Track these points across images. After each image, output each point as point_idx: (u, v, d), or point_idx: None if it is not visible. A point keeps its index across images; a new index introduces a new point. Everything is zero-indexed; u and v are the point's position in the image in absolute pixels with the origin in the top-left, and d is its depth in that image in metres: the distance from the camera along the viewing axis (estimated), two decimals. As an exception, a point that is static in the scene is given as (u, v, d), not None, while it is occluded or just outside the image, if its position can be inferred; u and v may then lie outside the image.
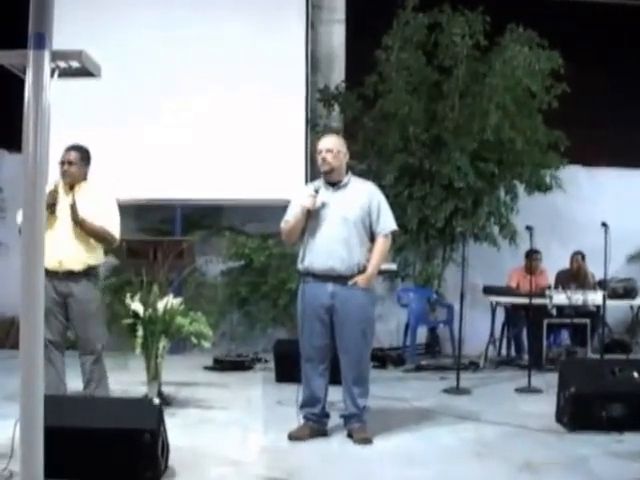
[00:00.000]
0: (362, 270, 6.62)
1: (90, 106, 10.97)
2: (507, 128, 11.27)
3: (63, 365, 7.14)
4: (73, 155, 7.18)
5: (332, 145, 6.77)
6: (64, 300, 7.05)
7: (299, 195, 6.78)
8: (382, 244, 6.73)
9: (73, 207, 6.98)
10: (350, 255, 6.59)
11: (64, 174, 7.12)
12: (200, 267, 11.44)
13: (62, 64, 3.84)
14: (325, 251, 6.58)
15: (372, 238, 6.74)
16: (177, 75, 11.69)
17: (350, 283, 6.56)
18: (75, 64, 3.89)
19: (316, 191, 6.62)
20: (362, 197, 6.72)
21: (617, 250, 9.61)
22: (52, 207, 6.82)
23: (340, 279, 6.59)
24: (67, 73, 3.92)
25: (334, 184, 6.75)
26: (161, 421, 5.54)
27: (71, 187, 7.14)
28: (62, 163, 7.13)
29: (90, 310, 7.18)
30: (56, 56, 3.70)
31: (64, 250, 6.93)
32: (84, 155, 7.26)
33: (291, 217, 6.73)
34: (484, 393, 9.13)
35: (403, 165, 11.48)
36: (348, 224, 6.60)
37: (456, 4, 11.56)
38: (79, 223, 7.01)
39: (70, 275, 7.03)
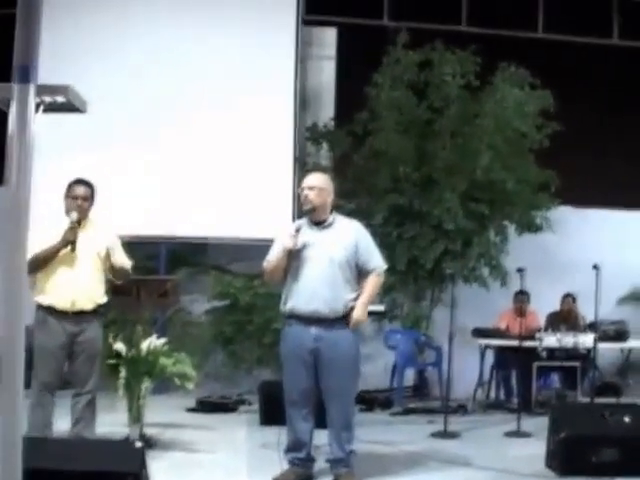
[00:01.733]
0: (348, 312, 6.49)
1: (71, 139, 10.77)
2: (498, 168, 11.24)
3: (53, 408, 6.97)
4: (87, 190, 7.01)
5: (315, 182, 6.64)
6: (71, 340, 6.90)
7: (282, 234, 6.64)
8: (375, 281, 6.63)
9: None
10: (335, 297, 6.46)
11: (79, 209, 6.90)
12: (185, 306, 11.31)
13: (47, 98, 3.74)
14: (309, 293, 6.44)
15: (358, 278, 6.62)
16: (164, 111, 11.57)
17: (351, 326, 6.43)
18: (61, 99, 3.79)
19: (297, 230, 6.49)
20: (348, 237, 6.60)
21: (607, 292, 9.54)
22: (73, 244, 6.75)
23: (324, 322, 6.45)
24: (53, 108, 3.83)
25: (318, 223, 6.62)
26: (144, 464, 5.41)
27: (78, 223, 6.94)
28: (75, 198, 6.94)
29: (97, 349, 7.08)
30: (41, 90, 3.60)
31: (78, 289, 6.83)
32: (94, 191, 7.10)
33: (272, 257, 6.60)
34: (473, 437, 9.00)
35: (393, 205, 11.41)
36: (333, 265, 6.47)
37: (448, 42, 11.55)
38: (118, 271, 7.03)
39: (81, 314, 6.89)
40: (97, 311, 7.02)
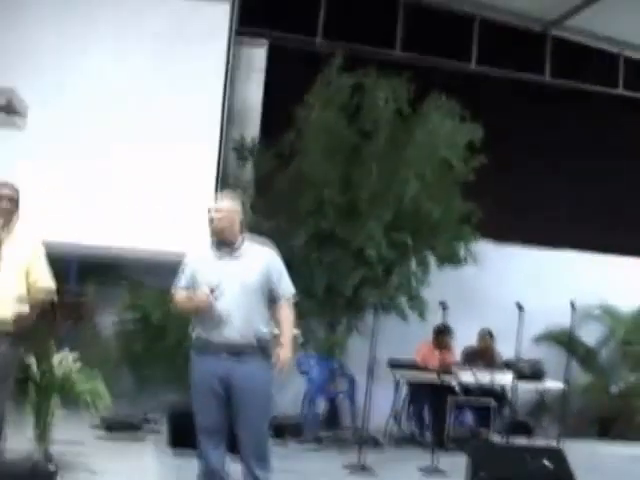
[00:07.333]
0: (260, 341, 6.20)
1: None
2: (425, 198, 11.10)
3: None
4: (12, 192, 6.47)
5: (223, 205, 6.35)
6: None
7: (190, 259, 6.32)
8: (288, 310, 6.34)
9: None
10: (248, 325, 6.16)
11: (3, 212, 6.37)
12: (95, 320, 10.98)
13: (-12, 99, 3.47)
14: (222, 321, 6.16)
15: (271, 304, 6.35)
16: (85, 118, 11.34)
17: (277, 368, 6.15)
18: (2, 101, 3.54)
19: (212, 291, 6.16)
20: (260, 262, 6.31)
21: (523, 329, 9.51)
22: None
23: (236, 350, 6.17)
24: (-8, 109, 3.57)
25: (226, 246, 6.32)
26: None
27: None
28: None
29: (7, 368, 6.46)
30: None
31: None
32: (19, 197, 6.56)
33: (181, 300, 6.25)
34: (388, 473, 8.86)
35: (314, 229, 11.19)
36: (247, 291, 6.17)
37: (382, 68, 11.42)
38: None
39: None
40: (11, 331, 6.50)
